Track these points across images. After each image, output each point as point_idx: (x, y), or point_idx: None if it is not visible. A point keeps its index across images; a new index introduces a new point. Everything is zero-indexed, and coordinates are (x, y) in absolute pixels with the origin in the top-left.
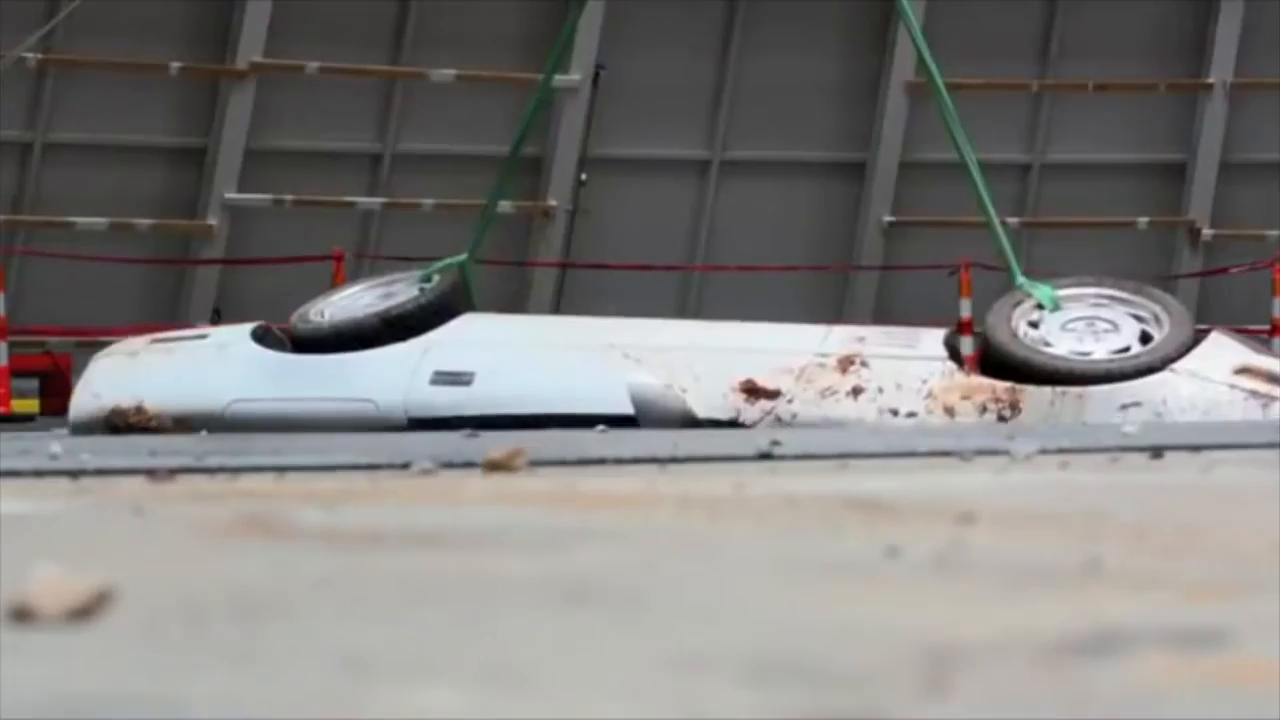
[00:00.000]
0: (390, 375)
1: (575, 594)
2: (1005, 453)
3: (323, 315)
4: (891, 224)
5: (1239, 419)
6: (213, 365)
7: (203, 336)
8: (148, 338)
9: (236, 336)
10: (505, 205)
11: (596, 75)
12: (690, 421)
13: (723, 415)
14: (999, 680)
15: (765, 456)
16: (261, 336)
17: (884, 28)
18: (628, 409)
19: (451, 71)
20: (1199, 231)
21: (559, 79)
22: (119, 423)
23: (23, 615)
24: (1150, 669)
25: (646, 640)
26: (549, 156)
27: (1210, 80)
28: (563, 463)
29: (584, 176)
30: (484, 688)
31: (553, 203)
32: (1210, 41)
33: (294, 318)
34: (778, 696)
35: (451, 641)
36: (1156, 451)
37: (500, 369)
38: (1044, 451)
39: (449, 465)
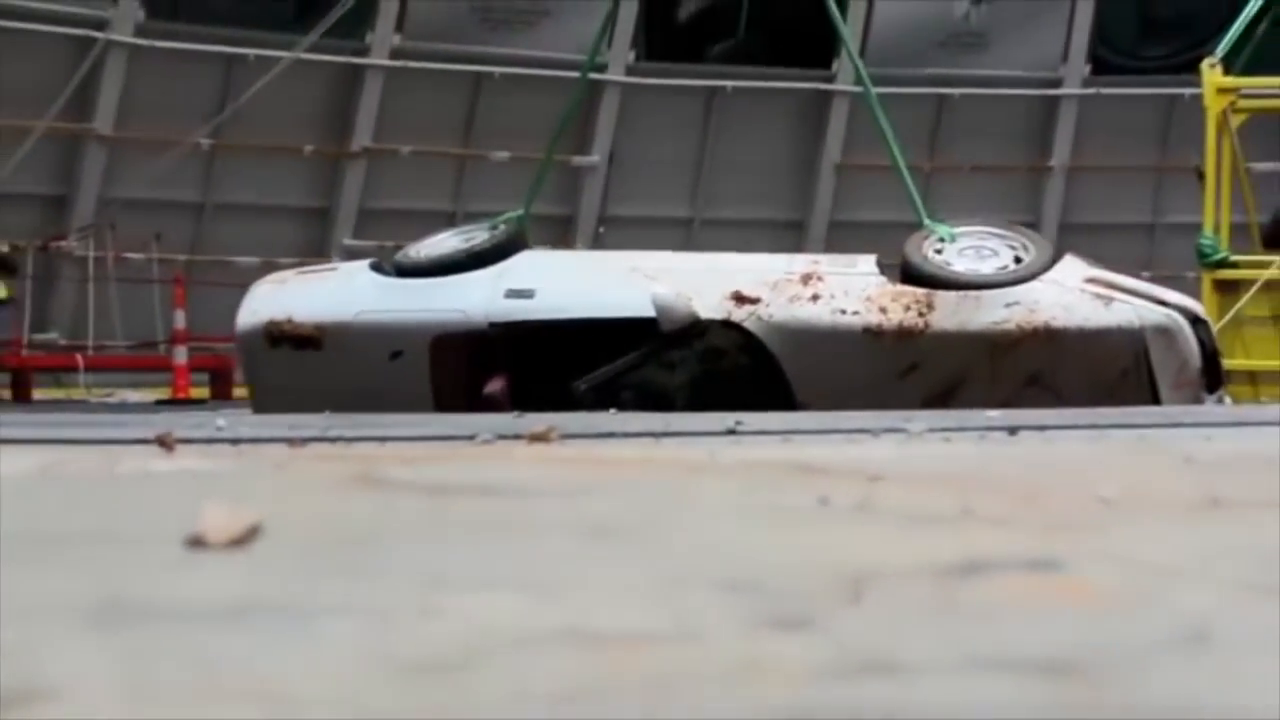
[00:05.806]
0: (474, 293)
1: (595, 530)
2: (905, 430)
3: (419, 254)
4: None
5: (1087, 314)
6: (342, 287)
7: (334, 269)
8: (293, 271)
9: (359, 268)
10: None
11: (611, 157)
12: (695, 319)
13: (719, 315)
14: (900, 594)
15: (731, 432)
16: (377, 267)
17: (819, 123)
18: (650, 313)
19: (506, 153)
20: None
21: (583, 159)
22: (275, 331)
23: (196, 543)
24: (1009, 586)
25: (647, 564)
26: (576, 215)
27: (1052, 164)
28: (585, 435)
29: (602, 230)
30: (529, 597)
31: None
32: (1052, 133)
33: (398, 256)
34: (742, 605)
35: (505, 563)
36: (1013, 430)
37: (555, 286)
38: (932, 430)
39: (503, 437)
